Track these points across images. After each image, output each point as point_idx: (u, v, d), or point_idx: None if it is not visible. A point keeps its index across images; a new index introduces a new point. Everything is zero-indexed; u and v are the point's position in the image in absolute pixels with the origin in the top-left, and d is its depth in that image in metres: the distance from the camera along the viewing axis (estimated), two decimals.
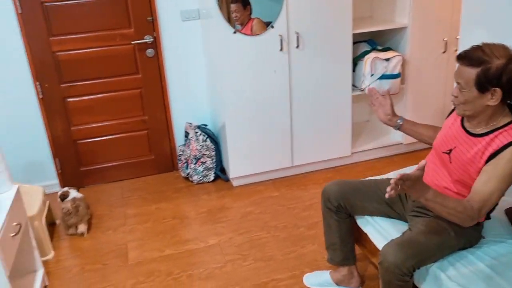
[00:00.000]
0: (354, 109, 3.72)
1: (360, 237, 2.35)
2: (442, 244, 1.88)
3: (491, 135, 1.77)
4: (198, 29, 3.55)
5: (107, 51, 3.43)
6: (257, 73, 3.28)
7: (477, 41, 1.77)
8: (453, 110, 2.04)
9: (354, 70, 3.56)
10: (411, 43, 3.54)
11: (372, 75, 3.46)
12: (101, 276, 2.68)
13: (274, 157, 3.56)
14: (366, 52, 3.51)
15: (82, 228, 3.06)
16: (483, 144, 1.77)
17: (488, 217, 1.96)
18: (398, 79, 3.53)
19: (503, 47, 1.70)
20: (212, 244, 2.91)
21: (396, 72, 3.49)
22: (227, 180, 3.68)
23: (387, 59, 3.45)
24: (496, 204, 1.83)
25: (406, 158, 3.87)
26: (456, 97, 1.80)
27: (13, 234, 2.22)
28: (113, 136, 3.69)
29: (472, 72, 1.68)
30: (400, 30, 3.59)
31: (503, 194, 1.76)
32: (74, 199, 3.06)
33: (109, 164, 3.76)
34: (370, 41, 3.65)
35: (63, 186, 3.68)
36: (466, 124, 1.88)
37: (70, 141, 3.60)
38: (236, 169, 3.52)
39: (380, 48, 3.59)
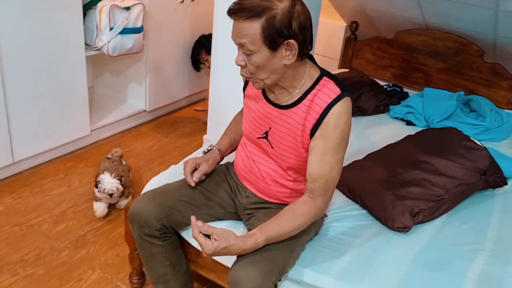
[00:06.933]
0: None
1: (186, 251, 1.74)
2: (296, 241, 1.49)
3: (305, 101, 1.38)
4: None
5: None
6: None
7: None
8: (246, 84, 1.59)
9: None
10: None
11: (111, 28, 2.67)
12: None
13: None
14: None
15: None
16: (300, 114, 1.40)
17: None
18: (141, 34, 2.87)
19: None
20: None
21: (138, 25, 2.82)
22: None
23: (128, 8, 2.72)
24: None
25: (154, 126, 3.32)
26: (244, 66, 1.35)
27: None
28: None
29: (255, 26, 1.25)
30: None
31: (341, 169, 1.45)
32: None
33: None
34: None
35: None
36: (271, 96, 1.46)
37: None
38: None
39: None
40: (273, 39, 1.26)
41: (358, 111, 2.70)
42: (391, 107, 2.78)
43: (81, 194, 2.50)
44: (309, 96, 1.38)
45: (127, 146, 3.03)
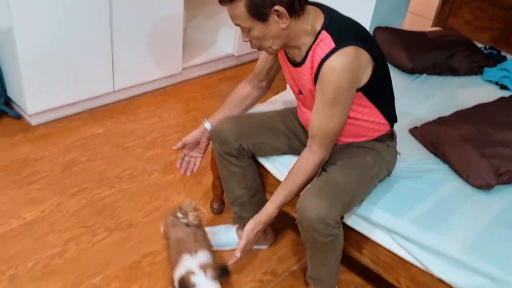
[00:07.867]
0: None
1: (264, 180, 1.86)
2: (363, 175, 1.55)
3: (309, 57, 1.42)
4: None
5: None
6: None
7: None
8: None
9: None
10: None
11: None
12: None
13: (89, 81, 2.61)
14: None
15: None
16: (307, 70, 1.44)
17: (392, 124, 1.65)
18: None
19: None
20: (33, 219, 1.97)
21: None
22: (19, 117, 2.57)
23: None
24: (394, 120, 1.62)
25: (239, 71, 3.43)
26: (250, 41, 1.43)
27: None
28: None
29: (240, 6, 1.31)
30: None
31: (345, 118, 1.46)
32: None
33: None
34: None
35: None
36: (289, 56, 1.51)
37: None
38: (35, 102, 2.46)
39: None
40: (259, 12, 1.30)
41: (448, 70, 2.61)
42: (485, 69, 2.65)
43: (169, 126, 2.69)
44: (311, 52, 1.41)
45: (214, 87, 3.17)
